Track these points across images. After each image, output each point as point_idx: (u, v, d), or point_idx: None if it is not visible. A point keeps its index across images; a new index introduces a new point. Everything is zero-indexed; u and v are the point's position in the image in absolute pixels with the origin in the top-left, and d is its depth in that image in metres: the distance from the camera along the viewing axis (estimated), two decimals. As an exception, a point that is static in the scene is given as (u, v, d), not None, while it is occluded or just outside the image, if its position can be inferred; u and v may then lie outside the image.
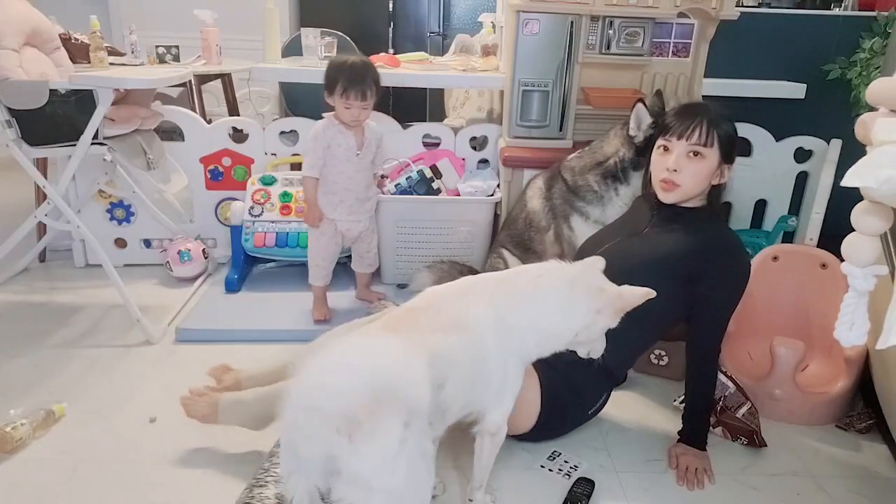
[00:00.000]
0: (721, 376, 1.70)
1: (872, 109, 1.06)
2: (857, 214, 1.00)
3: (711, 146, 1.52)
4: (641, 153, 1.92)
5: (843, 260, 1.04)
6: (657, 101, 2.06)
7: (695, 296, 1.53)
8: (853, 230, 1.01)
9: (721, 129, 1.53)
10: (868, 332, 1.05)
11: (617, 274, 1.57)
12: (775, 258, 2.07)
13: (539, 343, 1.30)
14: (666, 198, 1.57)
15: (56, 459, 1.50)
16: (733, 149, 1.57)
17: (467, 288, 1.32)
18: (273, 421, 1.49)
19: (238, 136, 2.65)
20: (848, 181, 0.93)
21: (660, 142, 1.58)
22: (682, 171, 1.53)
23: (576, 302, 1.28)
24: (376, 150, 2.17)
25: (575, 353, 1.40)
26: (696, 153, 1.52)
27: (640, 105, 1.90)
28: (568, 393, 1.55)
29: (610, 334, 1.53)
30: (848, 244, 1.02)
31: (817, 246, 2.14)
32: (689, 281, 1.52)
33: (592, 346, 1.35)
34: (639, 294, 1.28)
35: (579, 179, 2.05)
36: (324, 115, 2.09)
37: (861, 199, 1.00)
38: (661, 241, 1.57)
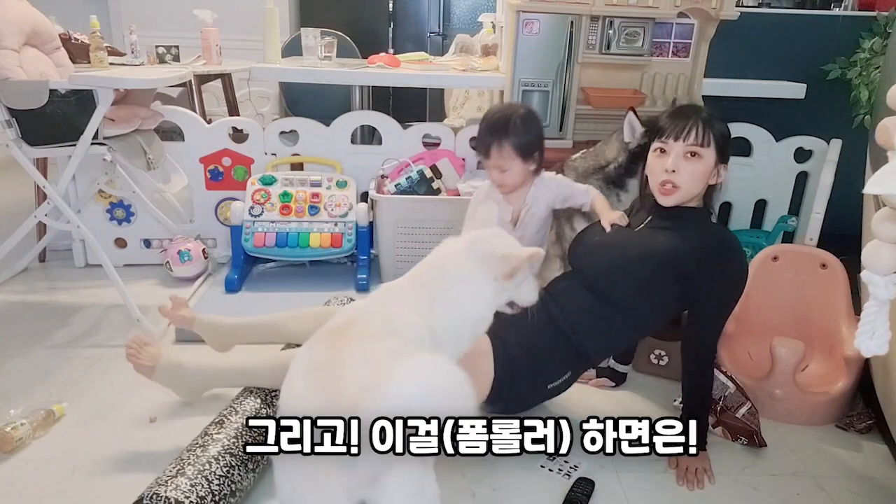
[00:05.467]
0: (721, 376, 1.70)
1: (872, 109, 1.05)
2: (878, 222, 0.97)
3: (708, 146, 1.51)
4: (637, 160, 1.93)
5: (843, 260, 1.04)
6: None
7: (691, 295, 1.54)
8: (856, 232, 1.00)
9: (716, 129, 1.52)
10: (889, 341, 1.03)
11: (610, 265, 1.58)
12: (775, 258, 2.07)
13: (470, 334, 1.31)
14: (665, 201, 1.56)
15: (56, 459, 1.50)
16: (728, 148, 1.56)
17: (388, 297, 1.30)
18: (203, 394, 1.62)
19: (238, 136, 2.65)
20: (870, 189, 0.91)
21: (655, 144, 1.57)
22: (680, 172, 1.52)
23: (482, 282, 1.28)
24: (550, 210, 1.89)
25: (539, 318, 1.44)
26: (693, 153, 1.51)
27: (630, 114, 1.90)
28: (526, 359, 1.53)
29: (595, 317, 1.55)
30: (868, 252, 0.99)
31: (817, 246, 2.14)
32: (684, 279, 1.52)
33: (517, 299, 1.36)
34: (524, 255, 1.27)
35: (582, 182, 2.05)
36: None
37: (861, 201, 0.99)
38: (657, 238, 1.57)
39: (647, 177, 1.63)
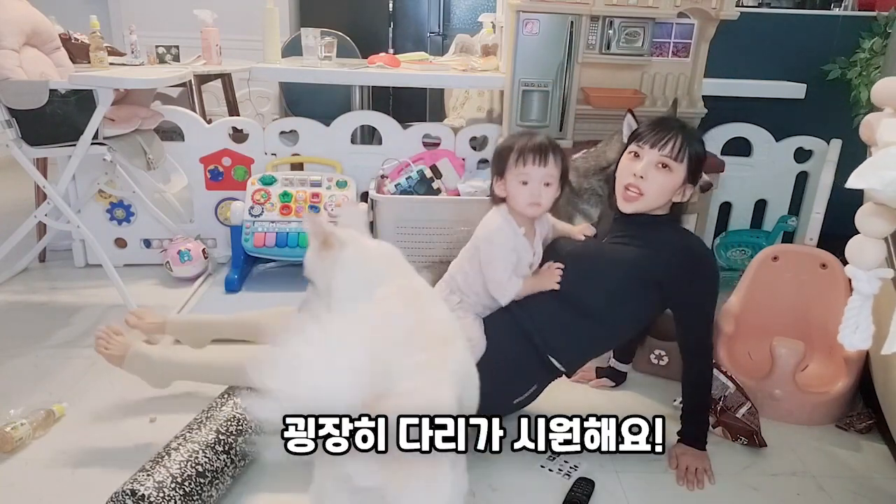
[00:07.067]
0: (721, 376, 1.70)
1: (872, 109, 1.05)
2: (862, 217, 0.98)
3: (681, 161, 1.51)
4: None
5: (843, 260, 1.04)
6: (672, 110, 2.06)
7: (670, 303, 1.55)
8: (856, 232, 1.00)
9: (692, 148, 1.52)
10: (872, 336, 1.04)
11: (583, 276, 1.57)
12: (775, 258, 2.07)
13: None
14: (626, 207, 1.56)
15: (56, 459, 1.50)
16: (699, 171, 1.56)
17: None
18: (171, 383, 1.65)
19: (238, 136, 2.65)
20: (852, 183, 0.92)
21: (631, 147, 1.57)
22: (647, 179, 1.52)
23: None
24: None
25: (507, 332, 1.46)
26: (664, 165, 1.51)
27: (628, 115, 1.91)
28: (494, 375, 1.42)
29: (568, 328, 1.56)
30: (852, 247, 1.00)
31: (817, 246, 2.14)
32: (657, 287, 1.53)
33: None
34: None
35: (584, 182, 2.05)
36: (496, 206, 1.59)
37: (861, 201, 0.99)
38: (627, 247, 1.56)
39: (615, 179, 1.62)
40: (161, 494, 1.23)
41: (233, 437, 1.42)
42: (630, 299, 1.55)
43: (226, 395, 1.55)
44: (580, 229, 1.69)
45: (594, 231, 1.68)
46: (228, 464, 1.39)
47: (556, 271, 1.57)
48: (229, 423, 1.44)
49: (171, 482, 1.26)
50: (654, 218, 1.58)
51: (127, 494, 1.22)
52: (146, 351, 1.64)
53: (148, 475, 1.26)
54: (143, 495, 1.21)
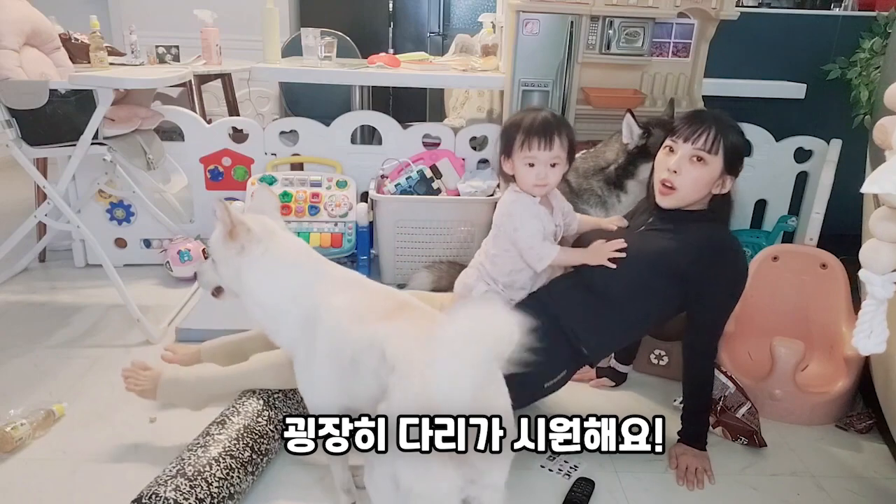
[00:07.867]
0: (721, 376, 1.70)
1: (872, 110, 1.05)
2: (876, 221, 0.97)
3: (716, 154, 1.50)
4: (635, 161, 1.93)
5: (843, 260, 1.04)
6: (669, 109, 2.06)
7: (689, 296, 1.53)
8: (856, 232, 1.00)
9: (728, 139, 1.51)
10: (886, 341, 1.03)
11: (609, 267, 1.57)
12: (775, 258, 2.07)
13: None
14: (663, 202, 1.57)
15: (56, 459, 1.50)
16: (738, 161, 1.55)
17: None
18: (211, 404, 1.58)
19: (238, 136, 2.65)
20: (867, 188, 0.91)
21: (667, 142, 1.57)
22: (681, 174, 1.52)
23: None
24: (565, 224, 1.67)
25: (536, 317, 1.45)
26: (699, 158, 1.50)
27: (628, 116, 1.91)
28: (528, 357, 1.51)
29: (593, 316, 1.55)
30: (866, 251, 0.99)
31: (817, 246, 2.14)
32: (681, 280, 1.52)
33: None
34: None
35: (584, 183, 2.05)
36: (513, 189, 1.58)
37: (861, 201, 0.99)
38: (656, 239, 1.56)
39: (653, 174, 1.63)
40: None
41: (260, 456, 1.41)
42: (654, 290, 1.54)
43: (260, 401, 1.51)
44: (612, 221, 1.69)
45: (626, 223, 1.68)
46: (251, 483, 1.38)
47: (610, 248, 1.52)
48: (261, 440, 1.43)
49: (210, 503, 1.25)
50: (689, 214, 1.57)
51: (170, 502, 1.20)
52: (177, 375, 1.61)
53: (191, 488, 1.24)
54: None
